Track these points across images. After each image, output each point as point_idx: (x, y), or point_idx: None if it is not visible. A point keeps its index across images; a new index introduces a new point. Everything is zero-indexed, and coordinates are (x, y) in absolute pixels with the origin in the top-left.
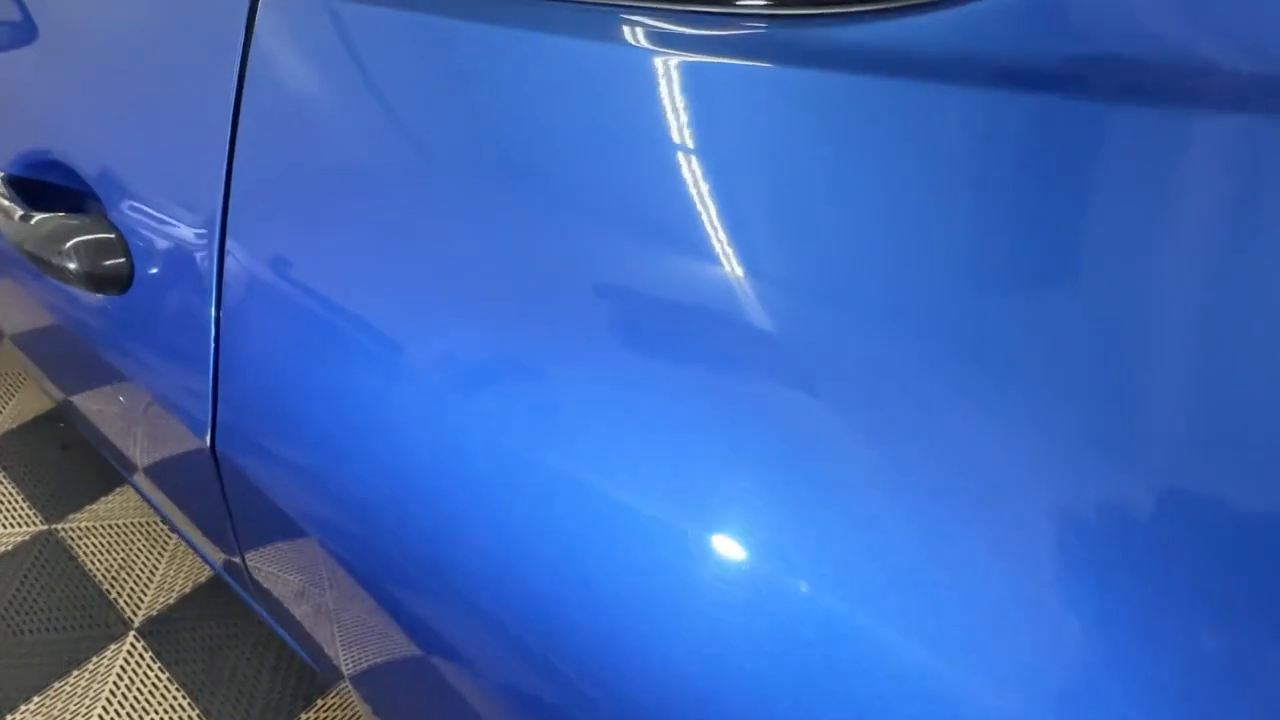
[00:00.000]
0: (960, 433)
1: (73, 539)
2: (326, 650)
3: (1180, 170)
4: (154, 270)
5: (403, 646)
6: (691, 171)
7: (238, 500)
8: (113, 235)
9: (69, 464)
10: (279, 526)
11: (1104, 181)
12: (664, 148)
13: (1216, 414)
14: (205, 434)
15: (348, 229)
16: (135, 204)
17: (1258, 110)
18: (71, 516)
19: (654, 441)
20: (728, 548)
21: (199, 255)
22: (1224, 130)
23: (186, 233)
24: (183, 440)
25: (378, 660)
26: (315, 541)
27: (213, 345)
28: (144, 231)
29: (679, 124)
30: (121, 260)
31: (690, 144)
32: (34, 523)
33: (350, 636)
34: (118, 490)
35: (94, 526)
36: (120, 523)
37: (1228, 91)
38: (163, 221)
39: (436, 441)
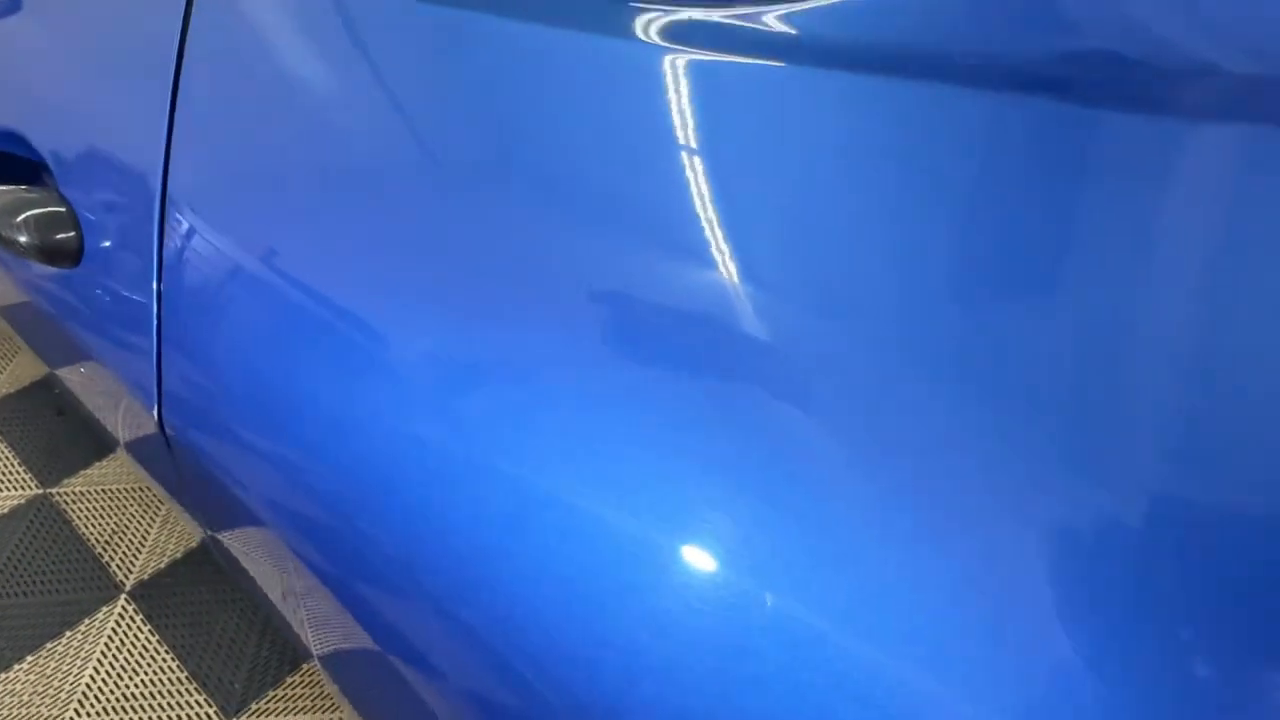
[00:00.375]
0: (944, 447)
1: (67, 503)
2: (296, 630)
3: (1161, 174)
4: (101, 244)
5: (366, 639)
6: (643, 163)
7: (190, 478)
8: (64, 209)
9: (64, 429)
10: (231, 507)
11: (1069, 181)
12: (612, 138)
13: (1201, 428)
14: (153, 407)
15: (287, 204)
16: (82, 178)
17: (1166, 108)
18: (66, 481)
19: (629, 445)
20: (700, 559)
21: (140, 229)
22: (1167, 131)
23: (128, 206)
24: (137, 414)
25: (344, 646)
26: (267, 522)
27: (155, 320)
28: (91, 205)
29: (636, 116)
30: (71, 234)
31: (649, 138)
32: (29, 486)
33: (317, 621)
34: (111, 456)
35: (88, 491)
36: (114, 488)
37: (1147, 88)
38: (106, 195)
39: (379, 425)
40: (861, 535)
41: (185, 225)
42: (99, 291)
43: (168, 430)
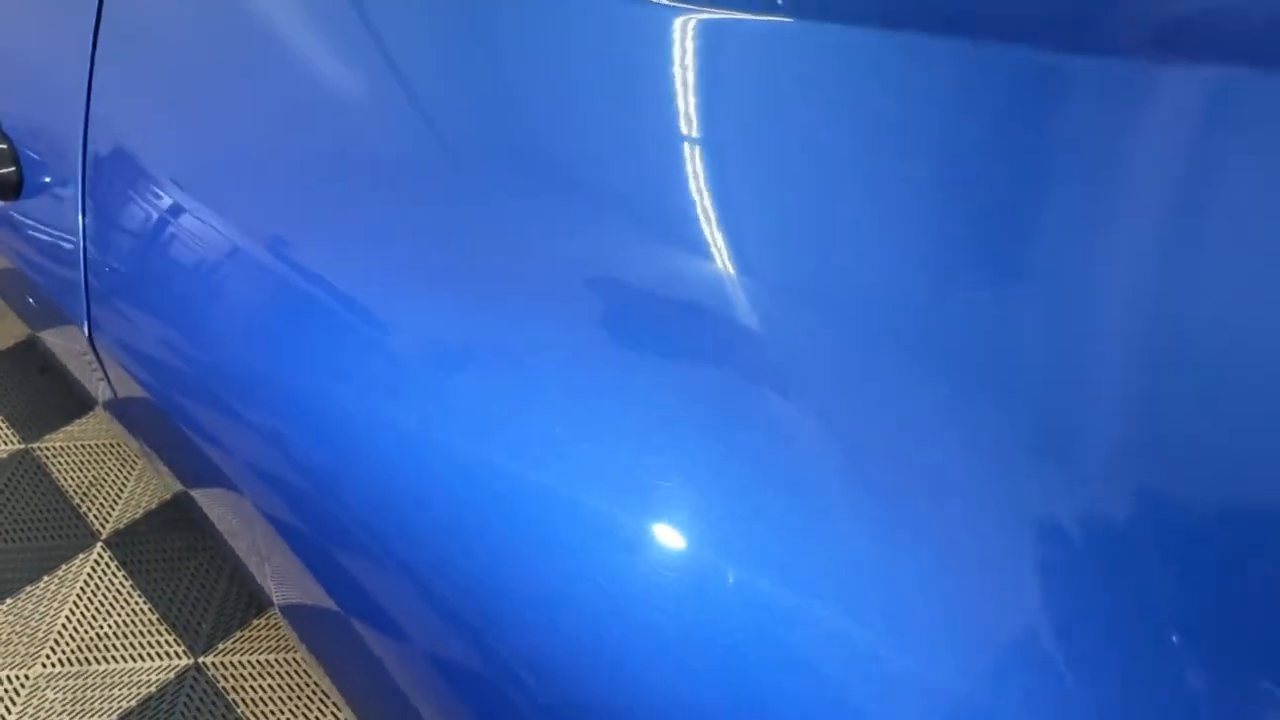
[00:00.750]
0: (934, 437)
1: (48, 458)
2: (259, 581)
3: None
4: (36, 178)
5: (324, 596)
6: (634, 141)
7: (124, 399)
8: (4, 145)
9: (46, 388)
10: (162, 434)
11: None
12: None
13: (1188, 420)
14: (84, 330)
15: (199, 143)
16: (18, 116)
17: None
18: (47, 437)
19: (602, 429)
20: (675, 540)
21: (67, 164)
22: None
23: (55, 141)
24: (76, 340)
25: (304, 602)
26: (202, 456)
27: (81, 250)
28: (26, 142)
29: (630, 86)
30: (12, 169)
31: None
32: (12, 442)
33: (279, 575)
34: (90, 414)
35: (68, 446)
36: (92, 443)
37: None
38: (37, 132)
39: (304, 367)
40: (848, 526)
41: (105, 158)
42: (35, 221)
43: (100, 355)
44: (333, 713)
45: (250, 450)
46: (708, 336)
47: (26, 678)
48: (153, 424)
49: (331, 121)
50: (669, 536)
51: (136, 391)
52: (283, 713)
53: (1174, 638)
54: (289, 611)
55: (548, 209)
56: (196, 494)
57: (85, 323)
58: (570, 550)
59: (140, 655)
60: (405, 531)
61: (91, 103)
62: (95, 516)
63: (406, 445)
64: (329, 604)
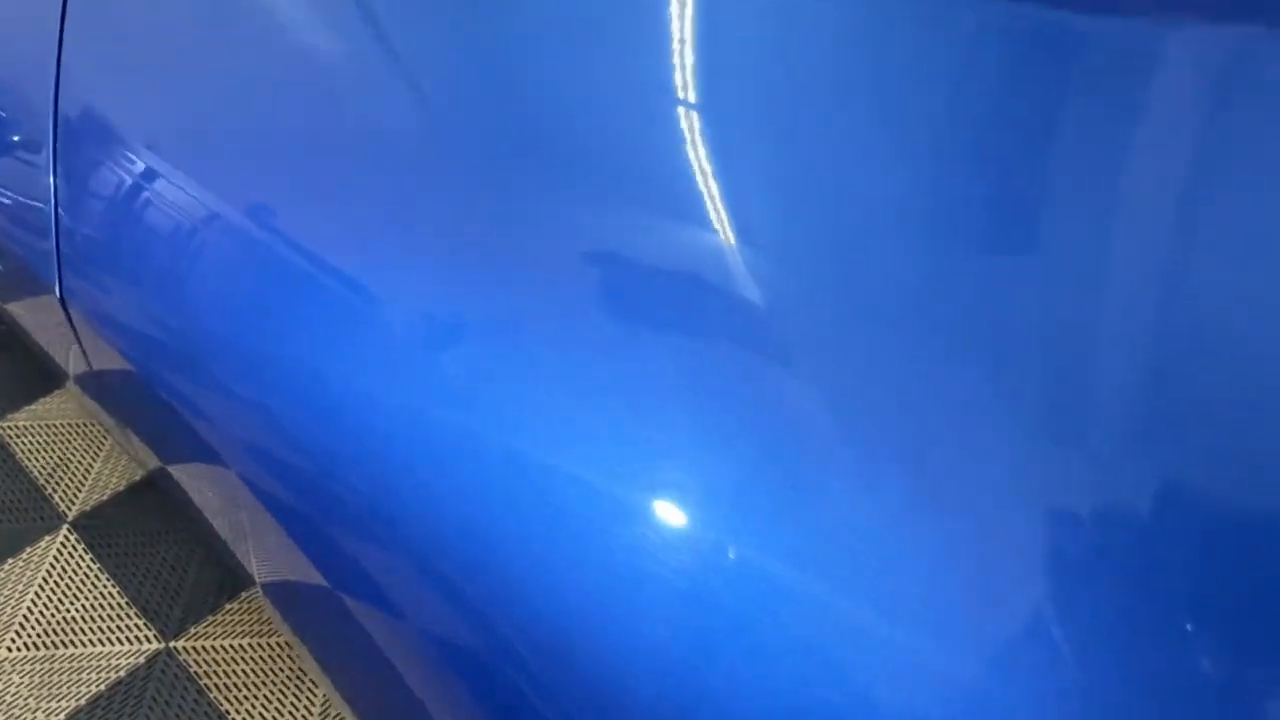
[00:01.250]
0: (932, 413)
1: (11, 437)
2: (240, 559)
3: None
4: (5, 137)
5: (313, 572)
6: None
7: (97, 368)
8: None
9: (8, 365)
10: (136, 401)
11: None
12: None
13: (1203, 409)
14: (55, 291)
15: (175, 106)
16: None
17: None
18: (10, 416)
19: (601, 406)
20: (676, 518)
21: (37, 124)
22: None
23: (25, 99)
24: (47, 311)
25: (289, 578)
26: (169, 417)
27: (53, 210)
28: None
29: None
30: None
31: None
32: None
33: (262, 553)
34: (56, 392)
35: (32, 426)
36: (58, 423)
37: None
38: (5, 88)
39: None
40: (855, 505)
41: (75, 118)
42: (6, 184)
43: (74, 322)
44: (308, 695)
45: (237, 423)
46: (712, 312)
47: None
48: (130, 396)
49: (310, 83)
50: (669, 514)
51: (113, 362)
52: (257, 696)
53: (1187, 626)
54: (272, 590)
55: (543, 182)
56: (175, 470)
57: (57, 288)
58: (567, 527)
59: (109, 639)
60: (399, 506)
61: (62, 60)
62: (61, 498)
63: (402, 419)
64: (317, 580)
